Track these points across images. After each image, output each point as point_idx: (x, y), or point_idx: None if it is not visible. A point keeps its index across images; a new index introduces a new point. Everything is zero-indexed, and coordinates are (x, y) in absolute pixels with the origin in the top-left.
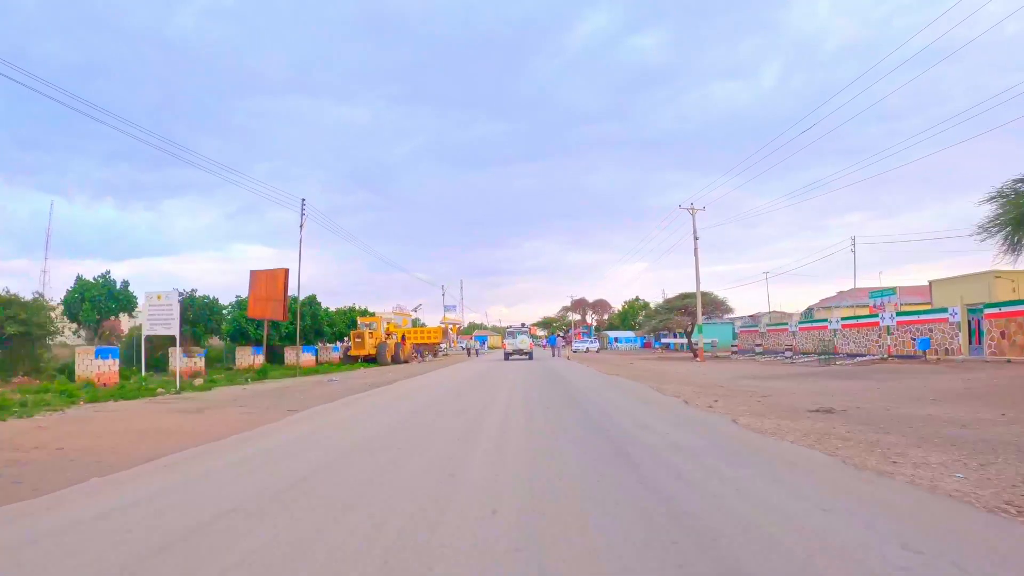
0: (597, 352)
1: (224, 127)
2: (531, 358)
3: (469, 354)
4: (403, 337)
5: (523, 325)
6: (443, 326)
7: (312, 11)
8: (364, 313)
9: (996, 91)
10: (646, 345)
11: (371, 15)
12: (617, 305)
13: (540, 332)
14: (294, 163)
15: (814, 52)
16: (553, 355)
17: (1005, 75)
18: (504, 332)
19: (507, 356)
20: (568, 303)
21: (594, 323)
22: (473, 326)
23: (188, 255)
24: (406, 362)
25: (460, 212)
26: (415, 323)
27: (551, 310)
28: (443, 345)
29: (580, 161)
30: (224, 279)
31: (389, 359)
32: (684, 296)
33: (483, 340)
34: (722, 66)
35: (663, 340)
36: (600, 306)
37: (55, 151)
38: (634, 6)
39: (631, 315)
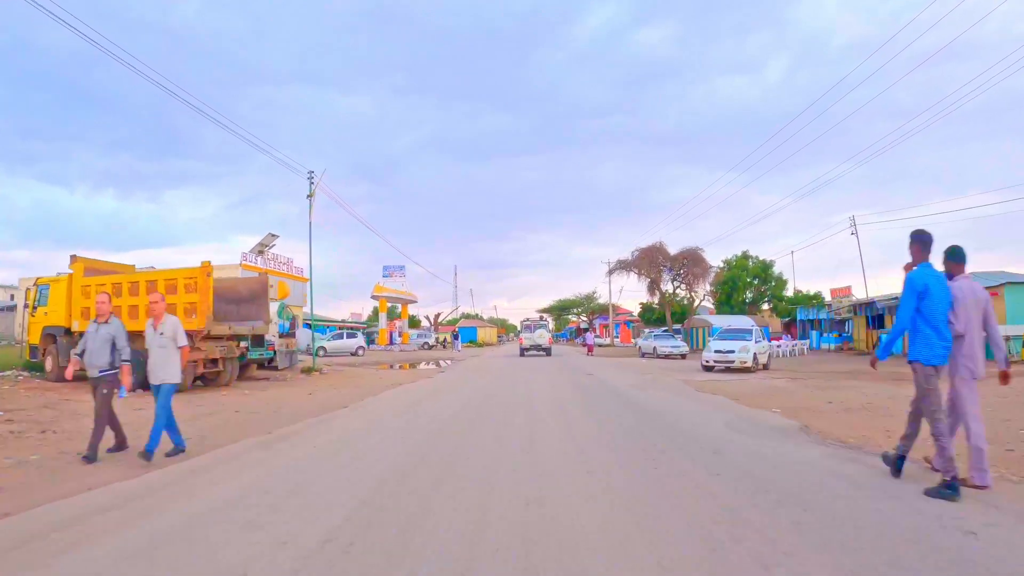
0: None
1: (227, 117)
2: (549, 354)
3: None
4: None
5: (541, 318)
6: (251, 275)
7: (317, 1)
8: None
9: (1005, 90)
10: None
11: (376, 5)
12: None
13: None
14: (297, 153)
15: (821, 48)
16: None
17: (1015, 75)
18: (518, 326)
19: (523, 352)
20: (623, 258)
21: (680, 297)
22: (466, 315)
23: (190, 246)
24: None
25: (464, 205)
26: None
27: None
28: (282, 341)
29: (586, 155)
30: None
31: None
32: None
33: (465, 335)
34: (729, 61)
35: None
36: (692, 263)
37: (57, 140)
38: None
39: (741, 284)
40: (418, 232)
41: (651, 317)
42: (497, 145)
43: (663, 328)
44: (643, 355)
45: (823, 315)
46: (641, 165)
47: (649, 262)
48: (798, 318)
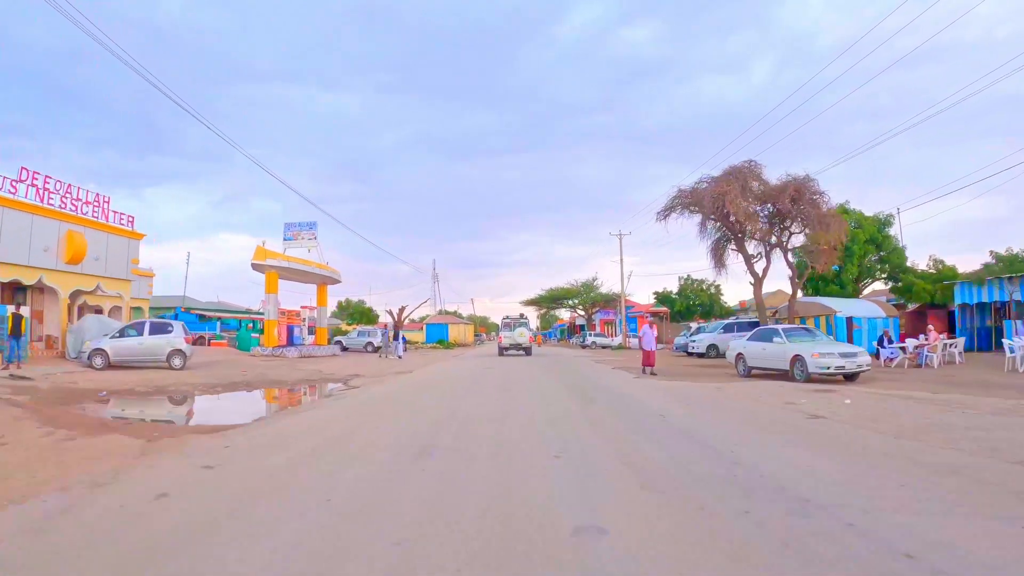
0: None
1: (209, 115)
2: (529, 353)
3: None
4: None
5: (522, 316)
6: None
7: None
8: None
9: (985, 93)
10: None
11: (362, 3)
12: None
13: (530, 319)
14: (281, 151)
15: (806, 49)
16: None
17: (994, 77)
18: (500, 324)
19: (502, 351)
20: (684, 186)
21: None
22: (443, 312)
23: (172, 244)
24: None
25: (447, 203)
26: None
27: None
28: None
29: (569, 154)
30: (207, 269)
31: None
32: None
33: (434, 334)
34: (714, 61)
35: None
36: (802, 202)
37: (38, 137)
38: None
39: (856, 250)
40: (401, 230)
41: (671, 309)
42: (481, 143)
43: (739, 321)
44: (745, 372)
45: (1008, 294)
46: (623, 163)
47: (741, 188)
48: (957, 301)
